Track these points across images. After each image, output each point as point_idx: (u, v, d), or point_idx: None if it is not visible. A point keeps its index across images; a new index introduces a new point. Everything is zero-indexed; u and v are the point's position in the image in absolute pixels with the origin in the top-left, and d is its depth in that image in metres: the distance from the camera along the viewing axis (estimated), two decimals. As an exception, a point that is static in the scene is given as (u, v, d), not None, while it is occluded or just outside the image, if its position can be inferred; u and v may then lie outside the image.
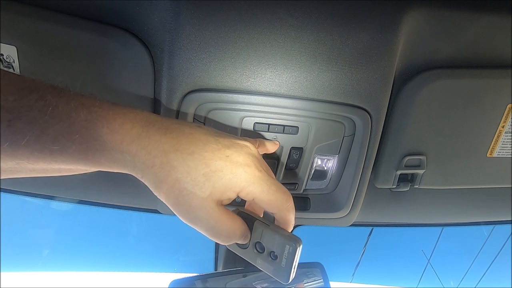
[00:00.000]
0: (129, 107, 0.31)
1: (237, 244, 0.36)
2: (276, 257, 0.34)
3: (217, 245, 0.93)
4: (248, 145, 0.34)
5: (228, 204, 0.33)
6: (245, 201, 0.37)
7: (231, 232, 0.32)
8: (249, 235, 0.35)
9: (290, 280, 0.34)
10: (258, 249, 0.35)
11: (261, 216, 0.38)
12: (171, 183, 0.29)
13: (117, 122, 0.29)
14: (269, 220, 0.36)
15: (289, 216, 0.35)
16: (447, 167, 0.58)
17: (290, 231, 0.36)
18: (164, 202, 0.30)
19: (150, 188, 0.30)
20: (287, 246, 0.33)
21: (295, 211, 0.57)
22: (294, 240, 0.34)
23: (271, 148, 0.45)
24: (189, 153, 0.29)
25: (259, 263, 0.35)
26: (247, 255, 0.36)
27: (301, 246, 0.34)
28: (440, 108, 0.51)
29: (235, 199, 0.32)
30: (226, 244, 0.34)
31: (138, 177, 0.30)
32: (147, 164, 0.29)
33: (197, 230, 0.31)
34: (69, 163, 0.28)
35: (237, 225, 0.33)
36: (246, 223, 0.34)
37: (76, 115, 0.27)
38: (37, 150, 0.26)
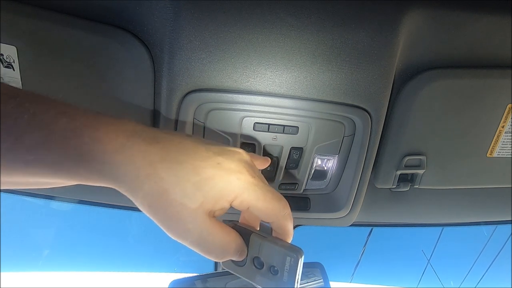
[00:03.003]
0: (116, 117, 0.28)
1: (232, 261, 0.34)
2: (277, 271, 0.32)
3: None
4: (240, 151, 0.32)
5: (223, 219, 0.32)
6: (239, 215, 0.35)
7: (225, 247, 0.30)
8: (246, 250, 0.33)
9: None
10: (256, 265, 0.33)
11: (258, 229, 0.36)
12: (159, 195, 0.27)
13: (100, 131, 0.26)
14: (266, 232, 0.34)
15: (287, 225, 0.33)
16: (447, 167, 0.58)
17: (289, 241, 0.34)
18: (151, 218, 0.28)
19: (135, 203, 0.28)
20: (288, 258, 0.31)
21: (296, 211, 0.57)
22: (295, 251, 0.32)
23: (261, 164, 0.41)
24: (178, 162, 0.27)
25: (258, 280, 0.33)
26: (245, 273, 0.33)
27: (302, 257, 0.32)
28: (440, 108, 0.51)
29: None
30: (220, 261, 0.32)
31: (122, 190, 0.27)
32: (131, 176, 0.26)
33: (188, 246, 0.29)
34: (46, 175, 0.26)
35: (232, 239, 0.30)
36: (242, 238, 0.32)
37: (55, 123, 0.25)
38: (10, 160, 0.25)
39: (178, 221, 0.27)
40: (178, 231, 0.28)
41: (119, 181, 0.27)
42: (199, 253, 0.29)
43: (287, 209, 0.32)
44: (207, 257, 0.30)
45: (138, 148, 0.27)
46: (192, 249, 0.29)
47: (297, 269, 0.31)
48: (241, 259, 0.32)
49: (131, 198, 0.27)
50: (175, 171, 0.27)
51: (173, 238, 0.28)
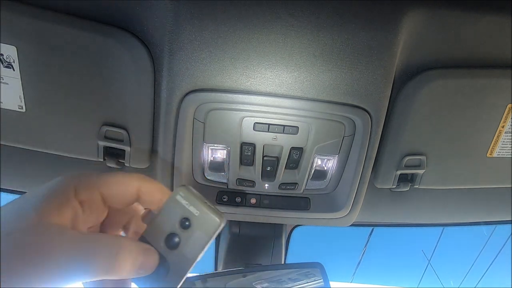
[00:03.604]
0: None
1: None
2: (188, 226, 0.30)
3: (217, 245, 0.93)
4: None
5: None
6: None
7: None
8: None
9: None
10: (169, 247, 0.30)
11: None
12: None
13: None
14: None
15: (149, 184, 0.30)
16: (447, 167, 0.58)
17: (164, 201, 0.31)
18: None
19: None
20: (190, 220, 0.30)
21: (296, 211, 0.57)
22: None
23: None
24: None
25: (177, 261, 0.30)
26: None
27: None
28: (440, 108, 0.51)
29: None
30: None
31: None
32: None
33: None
34: None
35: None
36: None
37: None
38: None
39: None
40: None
41: None
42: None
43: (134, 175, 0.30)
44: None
45: None
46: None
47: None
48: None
49: None
50: None
51: None
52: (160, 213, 0.31)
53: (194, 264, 0.30)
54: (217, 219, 0.30)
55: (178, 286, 0.30)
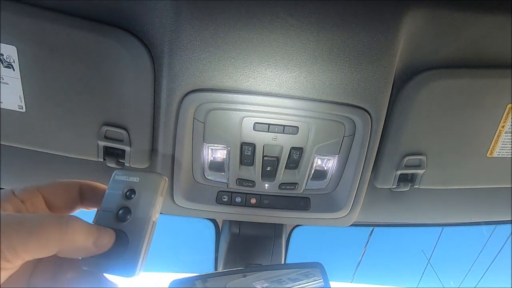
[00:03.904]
0: None
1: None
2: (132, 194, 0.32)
3: (217, 245, 0.93)
4: None
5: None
6: None
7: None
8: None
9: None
10: (120, 219, 0.31)
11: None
12: None
13: None
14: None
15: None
16: (447, 167, 0.58)
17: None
18: None
19: None
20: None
21: (296, 211, 0.57)
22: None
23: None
24: None
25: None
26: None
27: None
28: (440, 108, 0.51)
29: None
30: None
31: None
32: None
33: None
34: None
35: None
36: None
37: None
38: None
39: None
40: None
41: None
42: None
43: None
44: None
45: None
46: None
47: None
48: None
49: None
50: None
51: None
52: (105, 197, 0.32)
53: (151, 224, 0.31)
54: (158, 176, 0.32)
55: (143, 250, 0.30)
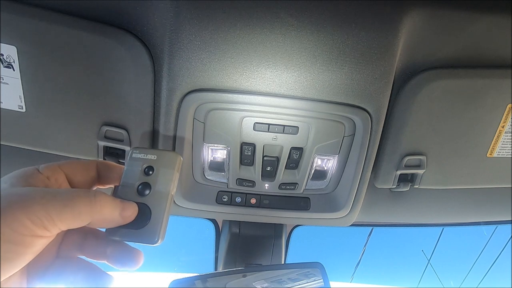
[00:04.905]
0: None
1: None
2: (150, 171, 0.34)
3: (217, 245, 0.93)
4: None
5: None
6: None
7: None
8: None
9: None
10: (141, 193, 0.34)
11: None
12: None
13: None
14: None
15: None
16: (447, 167, 0.58)
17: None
18: None
19: None
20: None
21: (296, 211, 0.57)
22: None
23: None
24: None
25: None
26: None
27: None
28: (440, 108, 0.51)
29: None
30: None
31: None
32: None
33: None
34: None
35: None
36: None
37: None
38: None
39: None
40: None
41: None
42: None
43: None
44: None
45: None
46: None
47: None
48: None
49: None
50: None
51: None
52: (124, 173, 0.34)
53: (170, 197, 0.34)
54: (174, 154, 0.35)
55: (164, 221, 0.33)
